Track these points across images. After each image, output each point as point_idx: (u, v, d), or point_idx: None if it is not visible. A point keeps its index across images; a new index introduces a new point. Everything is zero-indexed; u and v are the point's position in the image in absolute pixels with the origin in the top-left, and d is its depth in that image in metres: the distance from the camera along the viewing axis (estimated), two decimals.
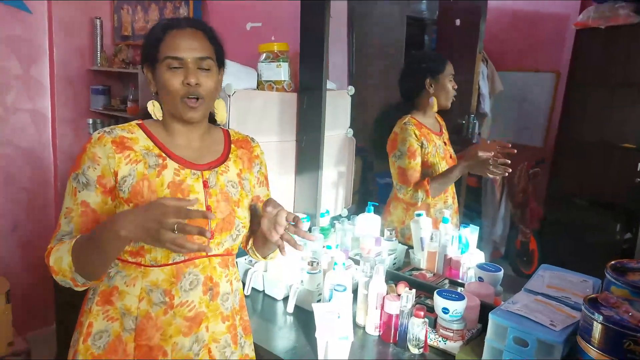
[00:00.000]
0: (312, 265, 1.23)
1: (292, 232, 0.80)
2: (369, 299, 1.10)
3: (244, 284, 1.25)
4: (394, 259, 1.37)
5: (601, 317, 0.77)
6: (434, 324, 1.06)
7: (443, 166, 1.43)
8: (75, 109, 2.38)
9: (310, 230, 1.47)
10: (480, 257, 1.30)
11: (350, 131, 1.65)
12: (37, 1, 2.19)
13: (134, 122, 0.86)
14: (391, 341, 1.08)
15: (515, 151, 1.24)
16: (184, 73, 0.80)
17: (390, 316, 1.07)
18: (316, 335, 0.99)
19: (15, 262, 2.27)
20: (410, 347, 1.03)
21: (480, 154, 1.26)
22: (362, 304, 1.14)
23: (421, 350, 1.02)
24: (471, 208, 1.53)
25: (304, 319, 1.17)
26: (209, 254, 0.83)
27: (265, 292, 1.32)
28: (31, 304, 2.31)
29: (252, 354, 0.96)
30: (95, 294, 0.83)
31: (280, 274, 1.27)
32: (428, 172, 1.42)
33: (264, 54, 1.48)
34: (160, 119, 0.86)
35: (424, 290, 1.21)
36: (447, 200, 1.44)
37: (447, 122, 1.52)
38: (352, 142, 1.66)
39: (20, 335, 2.07)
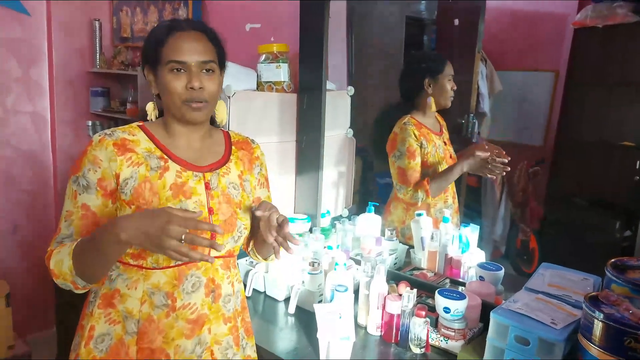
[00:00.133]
0: (313, 265, 1.23)
1: (279, 234, 0.80)
2: (371, 299, 1.11)
3: (245, 286, 1.25)
4: (395, 258, 1.38)
5: (602, 315, 0.77)
6: (435, 324, 1.06)
7: (443, 166, 1.43)
8: (75, 110, 2.38)
9: (311, 230, 1.47)
10: (480, 256, 1.31)
11: (350, 131, 1.65)
12: (36, 2, 2.19)
13: (134, 124, 0.86)
14: (393, 341, 1.08)
15: (508, 159, 1.24)
16: (187, 76, 0.80)
17: (391, 316, 1.07)
18: (318, 335, 0.99)
19: (15, 264, 2.27)
20: (412, 346, 1.03)
21: (478, 153, 1.27)
22: (364, 304, 1.14)
23: (423, 349, 1.03)
24: (471, 207, 1.53)
25: (306, 319, 1.17)
26: (211, 262, 0.83)
27: (267, 293, 1.32)
28: (31, 307, 2.30)
29: (254, 356, 0.96)
30: (97, 297, 0.83)
31: (281, 275, 1.27)
32: (428, 172, 1.42)
33: (264, 55, 1.48)
34: (154, 120, 0.86)
35: (425, 290, 1.21)
36: (448, 199, 1.44)
37: (447, 122, 1.52)
38: (352, 143, 1.67)
39: (21, 337, 2.07)
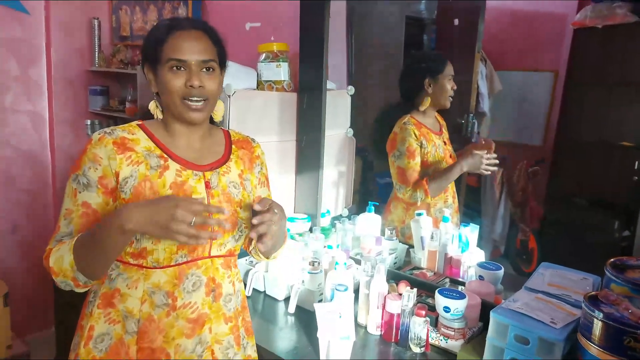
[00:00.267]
0: (313, 265, 1.23)
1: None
2: (371, 299, 1.11)
3: (245, 285, 1.25)
4: (395, 258, 1.38)
5: (601, 315, 0.77)
6: (435, 323, 1.06)
7: (443, 166, 1.43)
8: (74, 109, 2.38)
9: (311, 230, 1.47)
10: (480, 255, 1.31)
11: (351, 131, 1.65)
12: (35, 1, 2.18)
13: (134, 123, 0.86)
14: (393, 340, 1.08)
15: (495, 156, 1.29)
16: (187, 75, 0.80)
17: (391, 315, 1.07)
18: (318, 335, 0.99)
19: (14, 264, 2.27)
20: (411, 346, 1.03)
21: (476, 151, 1.29)
22: (364, 303, 1.14)
23: (423, 349, 1.03)
24: (471, 207, 1.53)
25: (306, 319, 1.17)
26: (220, 236, 0.82)
27: (266, 292, 1.32)
28: (30, 306, 2.30)
29: (255, 355, 0.96)
30: (96, 297, 0.83)
31: (281, 274, 1.27)
32: (428, 171, 1.42)
33: (264, 54, 1.48)
34: (161, 118, 0.86)
35: (425, 289, 1.21)
36: (448, 199, 1.45)
37: (446, 122, 1.52)
38: (352, 142, 1.67)
39: (20, 337, 2.06)
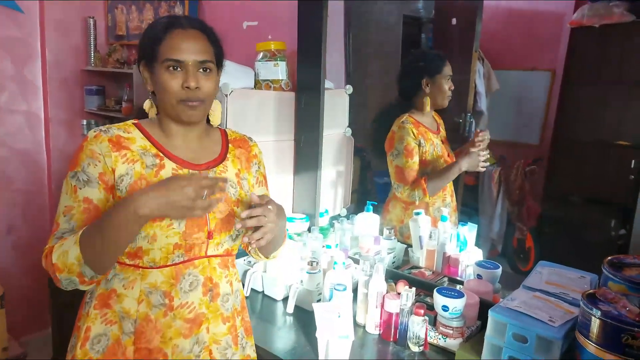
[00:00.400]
0: (311, 265, 1.23)
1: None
2: (369, 298, 1.11)
3: (243, 285, 1.25)
4: (393, 257, 1.38)
5: (599, 313, 0.77)
6: (433, 322, 1.06)
7: (441, 164, 1.43)
8: (70, 109, 2.36)
9: (309, 230, 1.47)
10: (478, 254, 1.31)
11: (349, 130, 1.65)
12: (29, 1, 2.16)
13: (129, 122, 0.85)
14: (391, 340, 1.08)
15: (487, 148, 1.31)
16: (184, 75, 0.79)
17: (390, 315, 1.07)
18: (316, 334, 0.99)
19: (10, 265, 2.25)
20: (410, 345, 1.03)
21: (472, 149, 1.30)
22: (362, 303, 1.14)
23: (421, 348, 1.03)
24: (468, 206, 1.54)
25: (304, 318, 1.17)
26: (208, 254, 0.83)
27: (265, 292, 1.32)
28: (26, 308, 2.28)
29: (254, 355, 0.95)
30: (93, 298, 0.82)
31: (280, 274, 1.27)
32: (426, 170, 1.42)
33: (261, 53, 1.47)
34: (156, 117, 0.85)
35: (424, 289, 1.21)
36: (446, 198, 1.45)
37: (444, 121, 1.52)
38: (350, 142, 1.66)
39: (16, 339, 2.04)
